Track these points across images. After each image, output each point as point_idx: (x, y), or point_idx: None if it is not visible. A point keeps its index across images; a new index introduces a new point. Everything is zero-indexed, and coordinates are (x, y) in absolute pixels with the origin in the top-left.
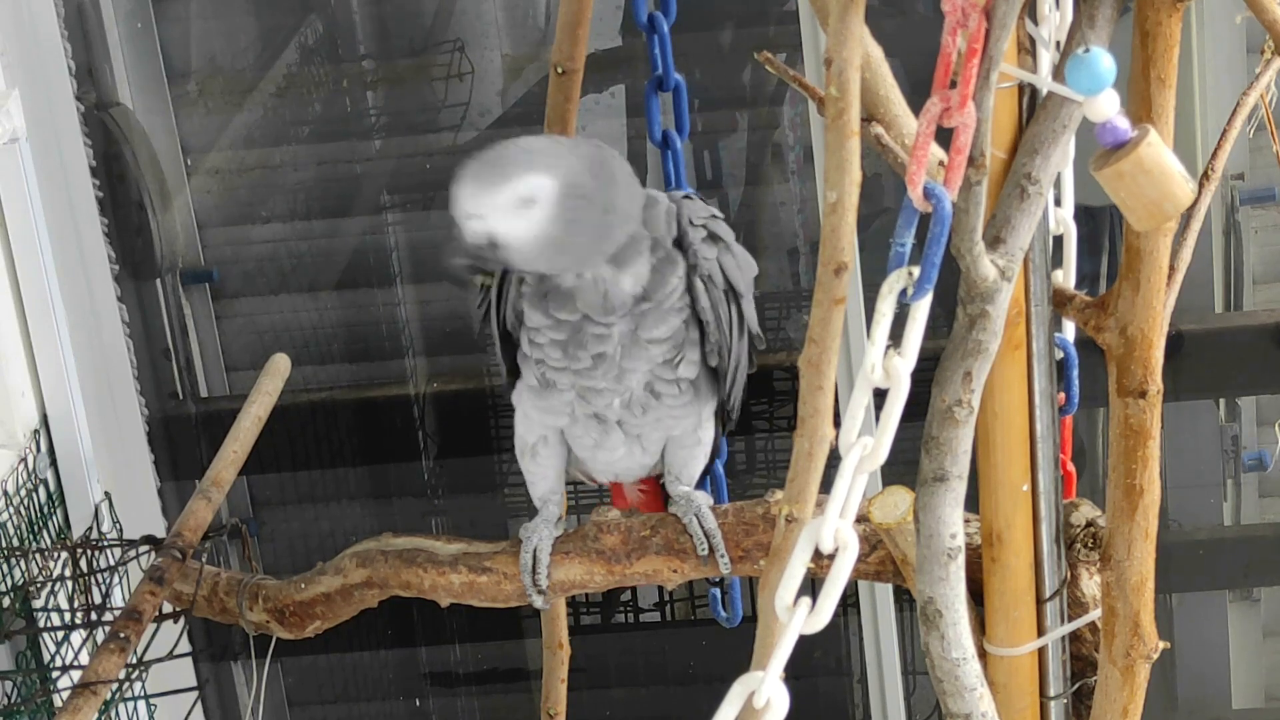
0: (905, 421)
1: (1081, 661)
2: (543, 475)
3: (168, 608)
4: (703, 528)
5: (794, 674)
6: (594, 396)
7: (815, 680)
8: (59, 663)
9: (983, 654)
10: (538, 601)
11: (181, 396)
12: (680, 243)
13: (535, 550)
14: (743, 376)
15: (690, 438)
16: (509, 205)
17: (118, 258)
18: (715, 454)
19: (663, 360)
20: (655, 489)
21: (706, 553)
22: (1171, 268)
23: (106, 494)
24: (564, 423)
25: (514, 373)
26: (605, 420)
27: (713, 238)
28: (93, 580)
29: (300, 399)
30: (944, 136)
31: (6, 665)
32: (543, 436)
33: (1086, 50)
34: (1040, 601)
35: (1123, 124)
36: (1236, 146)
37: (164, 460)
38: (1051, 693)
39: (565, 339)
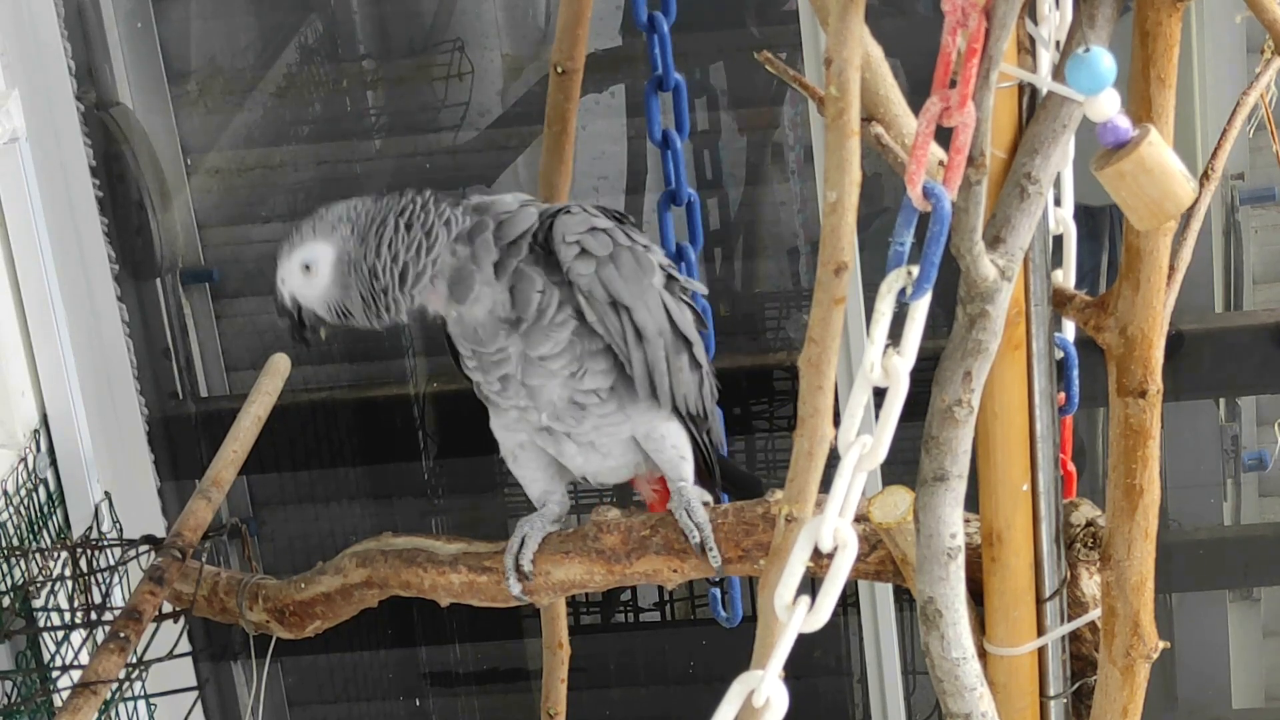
0: (905, 421)
1: (1081, 661)
2: (532, 478)
3: (168, 607)
4: (693, 521)
5: (794, 673)
6: (524, 413)
7: (815, 680)
8: (59, 662)
9: (983, 654)
10: (515, 588)
11: (181, 396)
12: (552, 259)
13: (524, 537)
14: (673, 381)
15: (652, 441)
16: (297, 270)
17: (118, 258)
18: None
19: (568, 374)
20: (666, 487)
21: (698, 541)
22: (1171, 267)
23: (106, 494)
24: (523, 437)
25: None
26: (555, 431)
27: (586, 253)
28: (93, 580)
29: (300, 399)
30: (944, 136)
31: (6, 665)
32: (518, 443)
33: (1086, 50)
34: (1040, 601)
35: (1124, 123)
36: (1236, 146)
37: (164, 460)
38: (1051, 692)
39: (477, 365)
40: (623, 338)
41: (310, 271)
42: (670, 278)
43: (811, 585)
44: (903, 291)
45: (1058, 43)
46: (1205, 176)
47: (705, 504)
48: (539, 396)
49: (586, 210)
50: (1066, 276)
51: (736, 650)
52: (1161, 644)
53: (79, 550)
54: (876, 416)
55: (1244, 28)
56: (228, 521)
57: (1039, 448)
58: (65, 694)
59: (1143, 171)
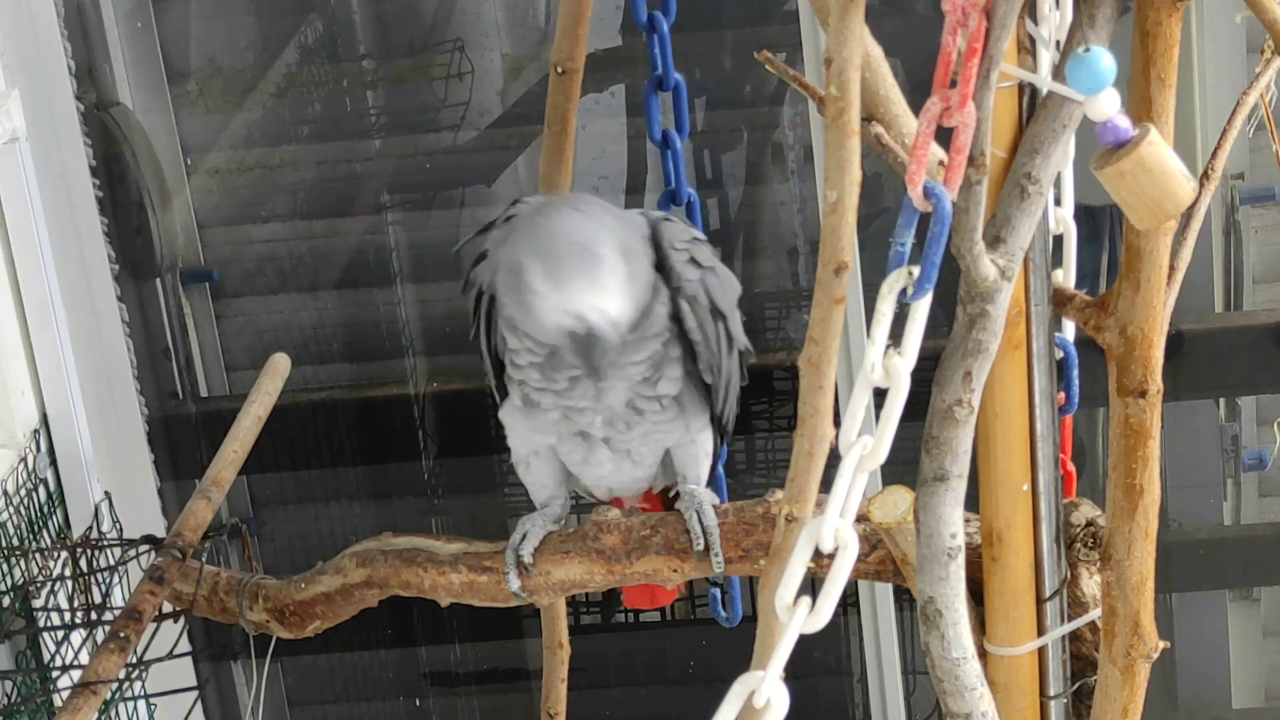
0: (905, 421)
1: (1081, 661)
2: (541, 484)
3: (168, 607)
4: (702, 524)
5: (794, 674)
6: (576, 415)
7: (815, 680)
8: (59, 662)
9: (983, 654)
10: (514, 583)
11: (181, 396)
12: (660, 265)
13: (526, 533)
14: (735, 391)
15: (690, 446)
16: (620, 287)
17: (118, 258)
18: (715, 458)
19: (641, 379)
20: (656, 505)
21: (703, 548)
22: (1171, 267)
23: (106, 494)
24: (551, 440)
25: (504, 393)
26: (590, 437)
27: (694, 262)
28: (93, 580)
29: (300, 399)
30: (944, 136)
31: (6, 665)
32: (534, 450)
33: (1087, 49)
34: (1040, 601)
35: (1124, 123)
36: (1236, 146)
37: (164, 460)
38: (1051, 692)
39: (542, 361)
40: (717, 344)
41: (621, 279)
42: None
43: (812, 585)
44: (903, 291)
45: (1058, 42)
46: (1205, 176)
47: (715, 506)
48: (604, 398)
49: (681, 221)
50: (1066, 276)
51: (736, 650)
52: (1161, 644)
53: (79, 550)
54: (877, 417)
55: (1244, 28)
56: (228, 521)
57: (1039, 448)
58: (65, 694)
59: (1142, 171)
